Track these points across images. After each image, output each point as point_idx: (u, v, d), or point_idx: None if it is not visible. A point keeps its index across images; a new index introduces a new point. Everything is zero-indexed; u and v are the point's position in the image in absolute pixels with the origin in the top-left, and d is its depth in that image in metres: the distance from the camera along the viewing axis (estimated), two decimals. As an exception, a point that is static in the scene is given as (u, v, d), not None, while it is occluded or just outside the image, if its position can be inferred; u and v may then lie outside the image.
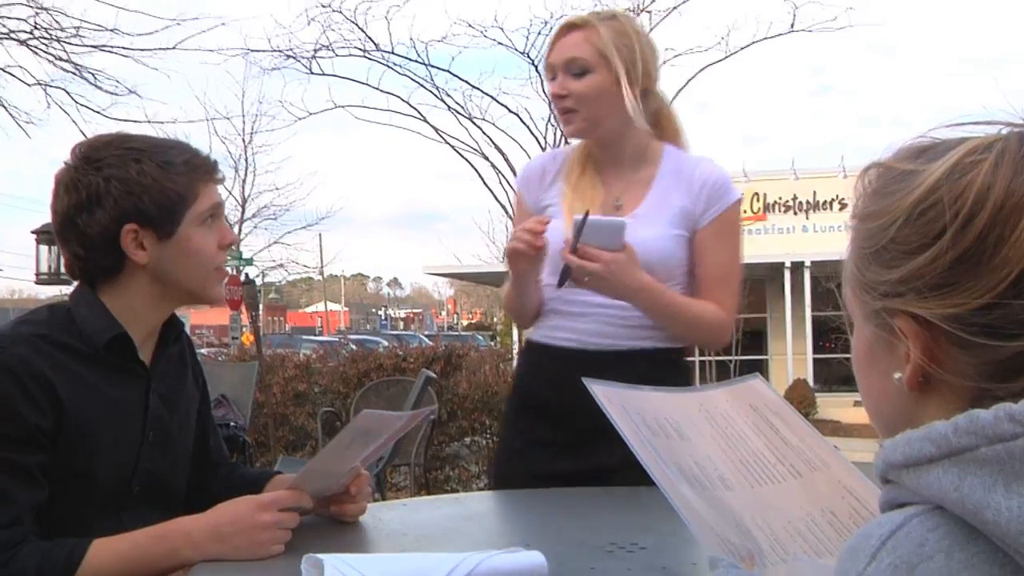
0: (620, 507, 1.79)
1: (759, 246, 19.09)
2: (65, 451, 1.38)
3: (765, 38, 7.15)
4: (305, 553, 1.19)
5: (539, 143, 6.59)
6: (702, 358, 21.21)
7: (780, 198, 19.49)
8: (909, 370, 0.71)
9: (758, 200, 19.60)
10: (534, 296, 2.01)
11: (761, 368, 19.84)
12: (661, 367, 1.94)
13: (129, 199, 1.42)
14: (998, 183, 0.67)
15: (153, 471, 1.52)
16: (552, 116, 6.34)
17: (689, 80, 6.60)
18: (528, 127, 6.66)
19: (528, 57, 6.65)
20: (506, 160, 7.10)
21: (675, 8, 6.57)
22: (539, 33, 6.93)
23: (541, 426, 1.97)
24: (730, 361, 19.51)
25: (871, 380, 0.77)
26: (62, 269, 1.52)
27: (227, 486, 1.62)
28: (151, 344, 1.54)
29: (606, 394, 1.10)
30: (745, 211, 19.38)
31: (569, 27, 1.96)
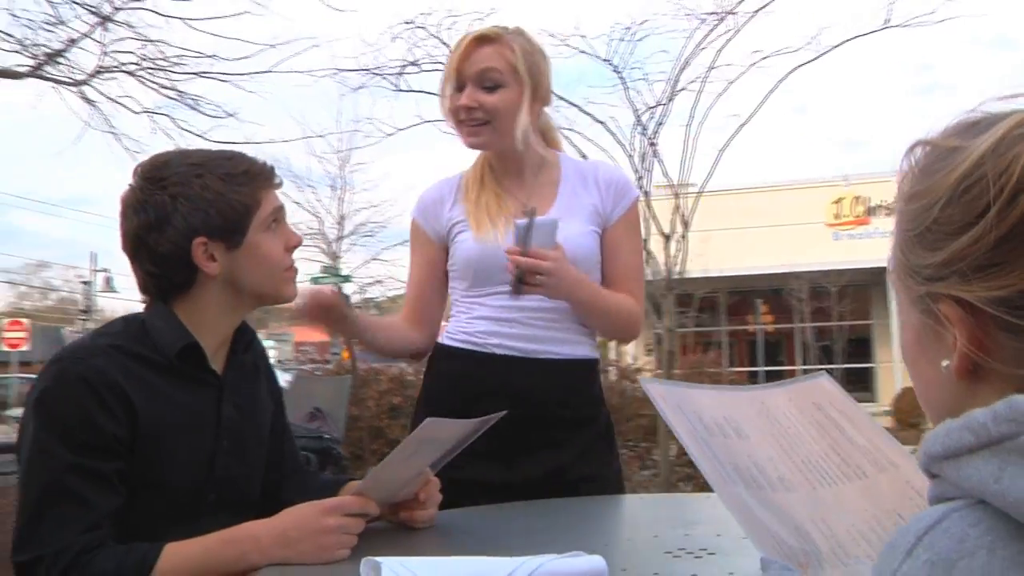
0: (697, 512, 1.75)
1: (862, 251, 18.54)
2: (140, 458, 1.42)
3: (857, 36, 6.91)
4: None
5: (625, 150, 6.54)
6: (805, 367, 20.68)
7: (883, 201, 18.86)
8: (956, 358, 0.67)
9: (860, 204, 19.05)
10: (388, 338, 2.06)
11: (867, 376, 19.28)
12: (592, 376, 2.03)
13: (196, 214, 1.45)
14: None
15: (229, 478, 1.55)
16: (638, 123, 6.29)
17: (779, 82, 6.42)
18: (614, 135, 6.62)
19: (611, 64, 6.62)
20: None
21: (762, 8, 6.43)
22: (621, 39, 6.89)
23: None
24: (832, 369, 18.97)
25: (921, 369, 0.73)
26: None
27: (303, 492, 1.64)
28: (223, 353, 1.57)
29: (661, 393, 1.07)
30: (846, 215, 19.05)
31: (481, 40, 1.96)
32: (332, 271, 13.06)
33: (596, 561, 1.20)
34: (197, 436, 1.50)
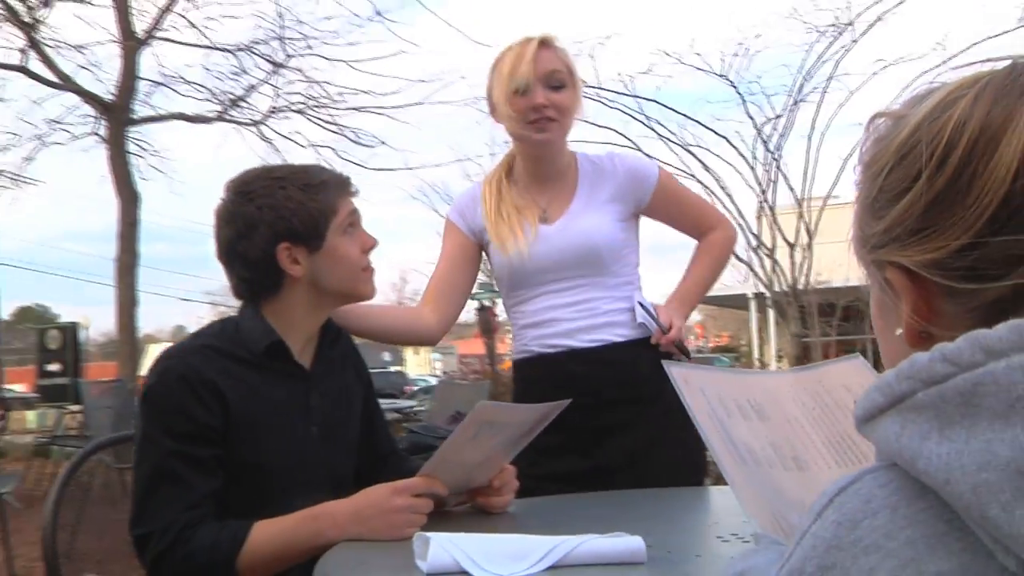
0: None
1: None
2: (235, 446, 1.49)
3: (987, 39, 6.47)
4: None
5: (747, 162, 6.35)
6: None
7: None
8: (903, 325, 0.63)
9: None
10: (385, 321, 2.00)
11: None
12: (643, 352, 1.97)
13: (280, 222, 1.52)
14: (975, 116, 0.59)
15: (321, 462, 1.60)
16: (759, 136, 6.10)
17: (904, 89, 6.09)
18: (737, 148, 6.43)
19: (727, 79, 6.45)
20: (718, 183, 6.88)
21: (880, 18, 6.11)
22: (735, 55, 6.70)
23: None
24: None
25: (886, 341, 0.69)
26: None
27: (395, 474, 1.67)
28: (311, 348, 1.63)
29: (684, 376, 1.04)
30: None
31: (543, 43, 1.97)
32: (487, 287, 13.25)
33: (634, 541, 1.17)
34: (288, 425, 1.56)
